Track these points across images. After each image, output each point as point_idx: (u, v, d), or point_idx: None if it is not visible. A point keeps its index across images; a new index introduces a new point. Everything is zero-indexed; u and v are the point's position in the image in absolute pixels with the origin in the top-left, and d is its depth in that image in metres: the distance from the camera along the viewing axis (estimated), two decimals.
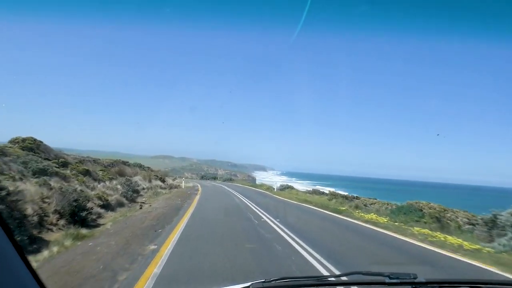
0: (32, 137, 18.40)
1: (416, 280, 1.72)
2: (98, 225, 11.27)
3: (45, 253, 6.92)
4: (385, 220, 12.65)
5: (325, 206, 17.40)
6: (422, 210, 14.32)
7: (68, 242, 7.83)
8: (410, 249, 8.83)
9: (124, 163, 38.28)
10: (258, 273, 5.73)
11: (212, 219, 12.42)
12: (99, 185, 16.12)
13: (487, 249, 8.78)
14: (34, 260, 6.29)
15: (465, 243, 9.16)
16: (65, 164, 17.50)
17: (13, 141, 17.46)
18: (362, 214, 14.24)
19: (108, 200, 14.43)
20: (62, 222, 9.67)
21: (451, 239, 9.70)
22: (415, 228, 11.04)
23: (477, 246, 8.95)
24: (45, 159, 16.59)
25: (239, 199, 21.35)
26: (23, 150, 16.28)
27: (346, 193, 25.82)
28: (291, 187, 33.96)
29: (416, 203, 15.34)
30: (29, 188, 9.84)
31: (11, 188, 8.19)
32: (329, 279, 2.10)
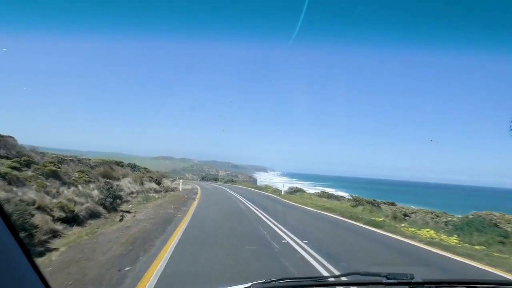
0: None
1: (413, 280, 1.70)
2: (43, 253, 7.45)
3: None
4: (456, 241, 8.87)
5: (355, 216, 13.56)
6: (497, 225, 10.56)
7: None
8: None
9: (118, 163, 34.43)
10: None
11: (212, 240, 8.57)
12: (67, 191, 12.29)
13: None
14: None
15: None
16: (28, 164, 13.68)
17: None
18: (413, 229, 10.43)
19: (74, 211, 10.60)
20: None
21: None
22: None
23: None
24: None
25: (245, 205, 17.53)
26: None
27: (369, 198, 21.92)
28: (301, 190, 29.95)
29: (488, 214, 11.49)
30: None
31: None
32: (328, 279, 2.06)
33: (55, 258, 6.77)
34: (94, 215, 12.03)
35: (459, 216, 13.07)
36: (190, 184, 40.03)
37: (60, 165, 17.70)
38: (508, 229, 10.32)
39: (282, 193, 28.36)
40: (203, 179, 78.54)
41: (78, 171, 16.21)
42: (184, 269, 5.91)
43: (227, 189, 33.65)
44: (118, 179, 20.29)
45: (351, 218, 13.33)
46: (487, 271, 6.68)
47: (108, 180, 15.62)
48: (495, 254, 7.72)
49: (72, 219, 10.36)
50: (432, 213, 14.77)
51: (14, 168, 11.99)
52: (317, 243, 8.32)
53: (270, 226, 10.80)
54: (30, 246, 7.41)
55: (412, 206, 27.06)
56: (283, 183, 32.90)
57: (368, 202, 18.51)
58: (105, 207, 13.27)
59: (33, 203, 9.46)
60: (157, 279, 5.26)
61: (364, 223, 12.12)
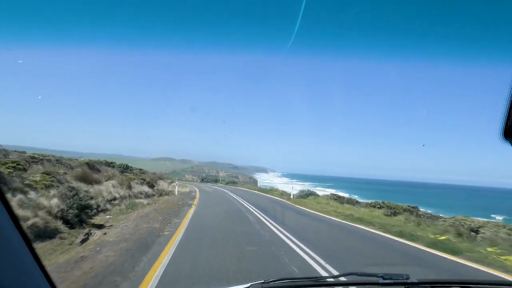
0: None
1: (408, 281, 1.70)
2: None
3: None
4: None
5: (405, 232, 9.68)
6: None
7: None
8: None
9: (109, 164, 30.88)
10: None
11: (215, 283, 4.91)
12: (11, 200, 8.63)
13: None
14: None
15: None
16: None
17: None
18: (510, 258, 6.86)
19: None
20: None
21: None
22: None
23: None
24: None
25: (254, 215, 13.88)
26: None
27: (406, 205, 17.84)
28: (313, 194, 25.84)
29: None
30: None
31: None
32: (326, 280, 2.07)
33: None
34: (46, 234, 8.38)
35: None
36: (189, 187, 36.33)
37: (27, 165, 14.08)
38: None
39: (291, 197, 24.65)
40: (202, 180, 74.70)
41: (42, 173, 12.55)
42: None
43: (229, 192, 29.94)
44: (99, 182, 16.64)
45: (401, 236, 9.54)
46: None
47: (70, 185, 11.92)
48: None
49: None
50: (504, 227, 11.14)
51: None
52: None
53: (297, 253, 7.17)
54: None
55: (439, 213, 23.46)
56: (291, 186, 29.01)
57: (406, 210, 14.93)
58: (67, 222, 9.63)
59: None
60: None
61: (428, 246, 8.31)
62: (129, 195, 17.37)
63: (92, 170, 22.56)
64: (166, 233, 9.15)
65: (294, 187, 28.35)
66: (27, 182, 10.49)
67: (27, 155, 19.47)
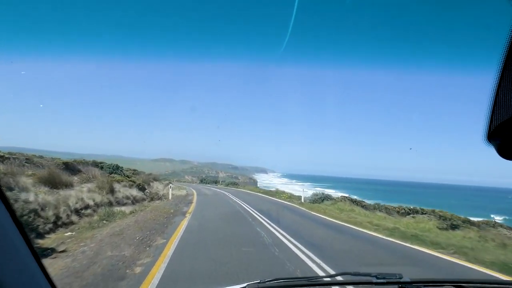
0: None
1: (401, 280, 1.66)
2: None
3: None
4: None
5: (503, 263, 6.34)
6: None
7: None
8: None
9: (96, 164, 27.29)
10: None
11: None
12: None
13: None
14: None
15: None
16: None
17: None
18: None
19: None
20: None
21: None
22: None
23: None
24: None
25: (267, 229, 10.38)
26: None
27: (445, 213, 14.28)
28: (328, 197, 21.31)
29: None
30: None
31: None
32: (320, 279, 1.94)
33: None
34: None
35: None
36: (186, 189, 32.73)
37: None
38: None
39: (302, 201, 20.98)
40: (201, 181, 71.00)
41: None
42: None
43: (231, 196, 26.30)
44: (70, 186, 13.10)
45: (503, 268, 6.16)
46: None
47: (45, 188, 8.41)
48: None
49: None
50: None
51: None
52: None
53: None
54: None
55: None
56: (302, 188, 25.07)
57: (466, 221, 11.48)
58: None
59: None
60: None
61: None
62: (109, 202, 13.82)
63: (70, 171, 19.02)
64: (137, 270, 5.61)
65: (302, 189, 24.53)
66: None
67: None
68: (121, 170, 26.93)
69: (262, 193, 32.66)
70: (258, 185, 71.15)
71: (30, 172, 13.53)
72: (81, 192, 12.70)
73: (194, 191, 29.67)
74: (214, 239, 8.38)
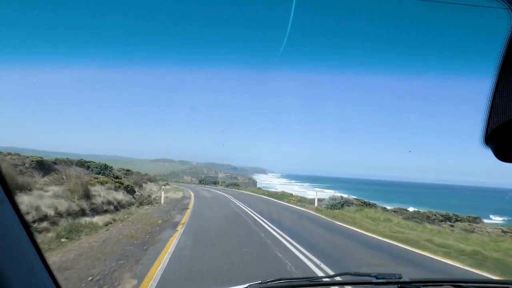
0: None
1: (401, 280, 1.64)
2: None
3: None
4: None
5: None
6: None
7: None
8: None
9: (83, 164, 24.19)
10: None
11: None
12: None
13: None
14: None
15: None
16: None
17: None
18: None
19: None
20: None
21: None
22: None
23: None
24: None
25: (290, 252, 7.31)
26: None
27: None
28: (349, 202, 17.40)
29: None
30: None
31: None
32: (321, 279, 1.95)
33: None
34: None
35: None
36: (183, 191, 29.56)
37: None
38: None
39: (316, 204, 17.78)
40: (200, 182, 67.73)
41: None
42: None
43: (232, 198, 23.14)
44: (28, 189, 9.97)
45: None
46: None
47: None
48: None
49: None
50: None
51: None
52: None
53: None
54: None
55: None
56: (316, 191, 21.50)
57: None
58: None
59: None
60: None
61: None
62: (81, 210, 10.69)
63: (44, 171, 15.91)
64: None
65: (316, 192, 21.23)
66: None
67: None
68: (110, 170, 23.80)
69: (266, 195, 29.41)
70: (258, 186, 68.12)
71: None
72: (41, 198, 9.58)
73: (192, 193, 26.55)
74: (217, 274, 5.27)
